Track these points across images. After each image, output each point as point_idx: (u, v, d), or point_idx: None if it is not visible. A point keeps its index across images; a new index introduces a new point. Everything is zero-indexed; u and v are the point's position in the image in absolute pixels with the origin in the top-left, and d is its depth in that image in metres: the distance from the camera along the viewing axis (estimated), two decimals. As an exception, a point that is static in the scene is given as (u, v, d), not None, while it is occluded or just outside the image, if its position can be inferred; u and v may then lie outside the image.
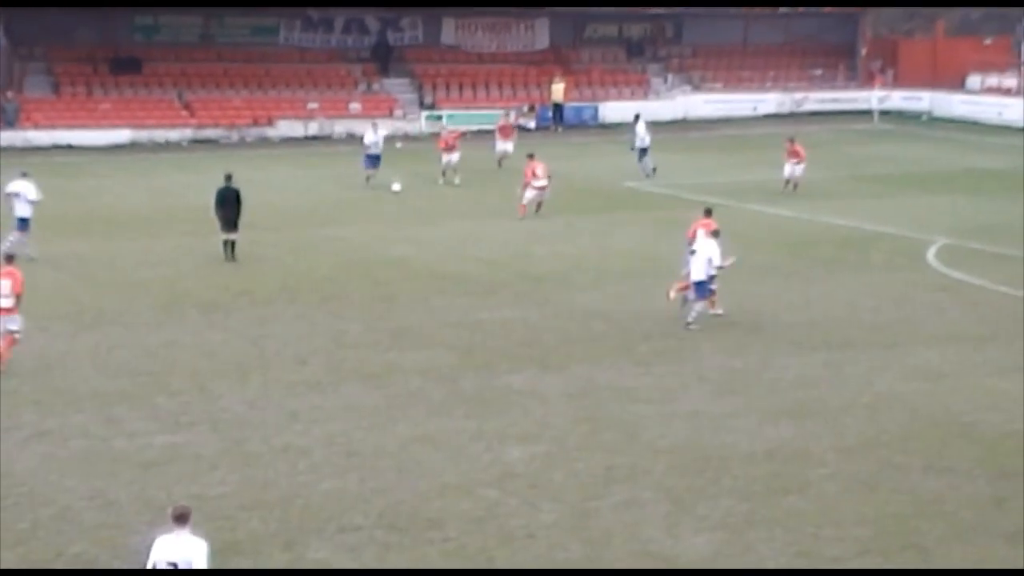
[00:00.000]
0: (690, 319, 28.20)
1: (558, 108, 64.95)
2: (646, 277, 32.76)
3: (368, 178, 46.86)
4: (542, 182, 40.87)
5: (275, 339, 27.09)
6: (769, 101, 68.89)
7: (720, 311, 28.94)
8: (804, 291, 31.74)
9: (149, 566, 13.70)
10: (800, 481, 19.71)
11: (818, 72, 71.72)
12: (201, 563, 13.67)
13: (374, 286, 31.97)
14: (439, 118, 62.36)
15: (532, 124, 63.61)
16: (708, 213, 30.72)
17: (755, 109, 68.05)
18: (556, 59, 68.76)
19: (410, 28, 67.82)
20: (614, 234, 38.68)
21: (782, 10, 70.82)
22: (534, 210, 40.93)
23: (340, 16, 66.20)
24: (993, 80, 68.92)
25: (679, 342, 27.16)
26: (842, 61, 73.11)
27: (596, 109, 65.98)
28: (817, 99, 69.43)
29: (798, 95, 69.46)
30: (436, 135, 53.44)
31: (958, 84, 69.65)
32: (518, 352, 26.34)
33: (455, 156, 47.59)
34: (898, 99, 68.93)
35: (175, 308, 29.62)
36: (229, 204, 34.83)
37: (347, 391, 23.84)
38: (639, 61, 70.69)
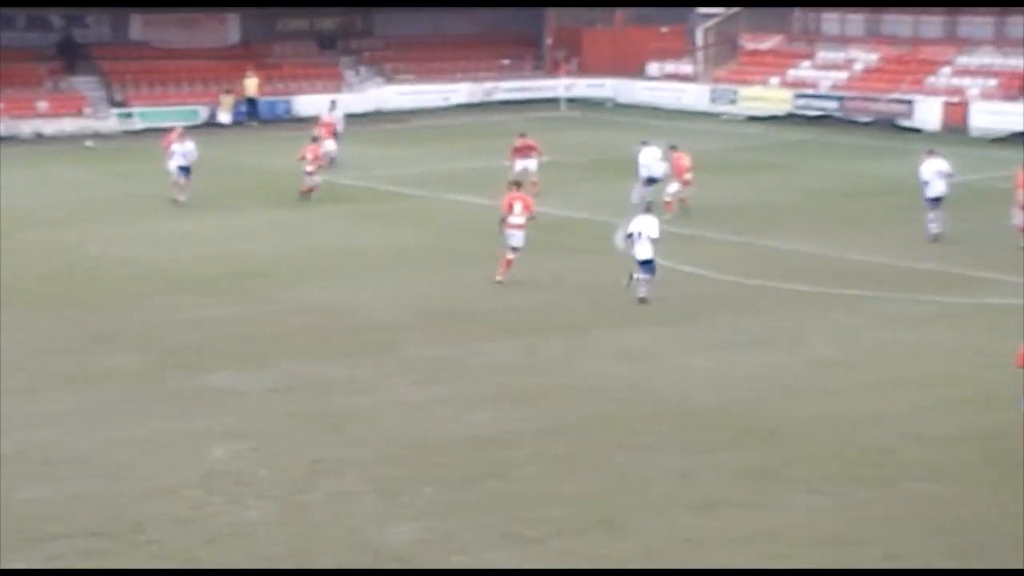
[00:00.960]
0: (641, 294, 29.45)
1: (252, 103, 64.57)
2: (347, 270, 32.99)
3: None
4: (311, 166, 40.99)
5: (-33, 348, 26.43)
6: (460, 91, 69.69)
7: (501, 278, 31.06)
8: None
9: None
10: (502, 465, 20.21)
11: (506, 62, 72.90)
12: None
13: (80, 288, 31.44)
14: (130, 115, 61.31)
15: (228, 119, 63.08)
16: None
17: (447, 100, 68.78)
18: (248, 54, 68.23)
19: (96, 24, 66.41)
20: (314, 228, 38.76)
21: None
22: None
23: (21, 13, 64.39)
24: (671, 67, 71.30)
25: (382, 334, 27.47)
26: (529, 51, 74.45)
27: (290, 103, 65.80)
28: (506, 88, 70.55)
29: (488, 85, 70.48)
30: (132, 133, 52.38)
31: (639, 71, 71.78)
32: (222, 350, 26.28)
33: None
34: (583, 87, 70.54)
35: None
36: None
37: (44, 397, 23.43)
38: (331, 54, 70.70)
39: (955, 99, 59.82)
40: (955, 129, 58.13)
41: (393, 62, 71.16)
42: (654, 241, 29.81)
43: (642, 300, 29.54)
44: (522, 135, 45.03)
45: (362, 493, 19.21)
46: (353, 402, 23.23)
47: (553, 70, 71.59)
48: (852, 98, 62.37)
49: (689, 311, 29.24)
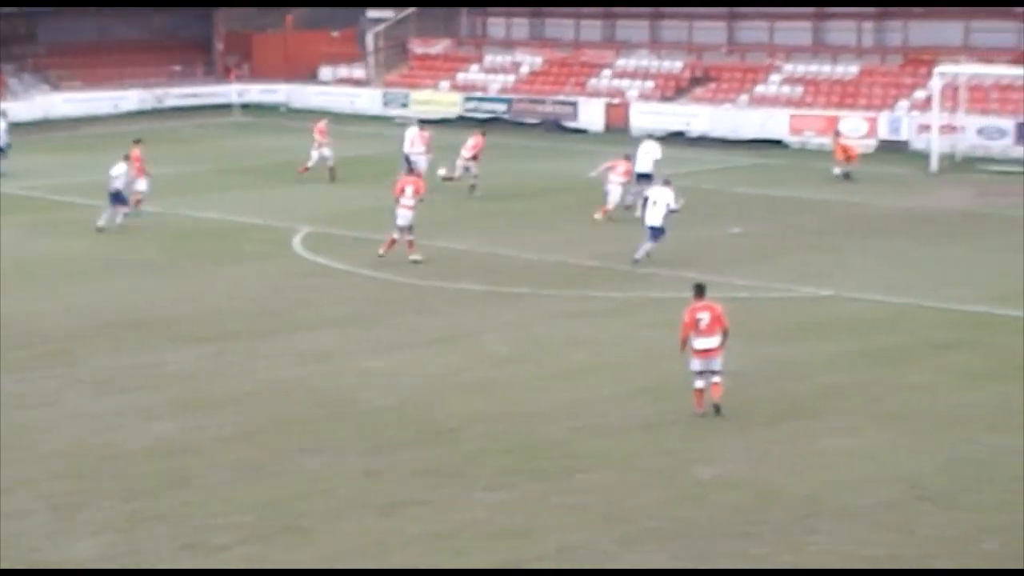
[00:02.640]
0: (637, 256, 33.33)
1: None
2: (20, 281, 32.28)
3: None
4: None
5: None
6: (130, 98, 68.57)
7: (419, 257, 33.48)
8: (181, 286, 32.20)
9: None
10: (184, 475, 20.20)
11: (177, 68, 72.08)
12: None
13: None
14: None
15: None
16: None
17: (116, 107, 67.62)
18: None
19: None
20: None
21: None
22: None
23: None
24: (344, 71, 71.62)
25: (58, 345, 27.03)
26: (200, 56, 73.76)
27: (-50, 112, 63.62)
28: (178, 95, 69.73)
29: (159, 91, 69.56)
30: None
31: (311, 76, 71.91)
32: None
33: None
34: (256, 92, 70.26)
35: None
36: None
37: None
38: (-8, 61, 68.74)
39: (616, 100, 61.81)
40: (617, 129, 60.06)
41: (58, 68, 69.58)
42: (671, 211, 33.49)
43: (635, 262, 33.31)
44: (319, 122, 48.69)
45: (38, 510, 18.91)
46: (26, 417, 22.80)
47: (225, 75, 71.12)
48: (519, 100, 63.78)
49: (368, 313, 29.64)
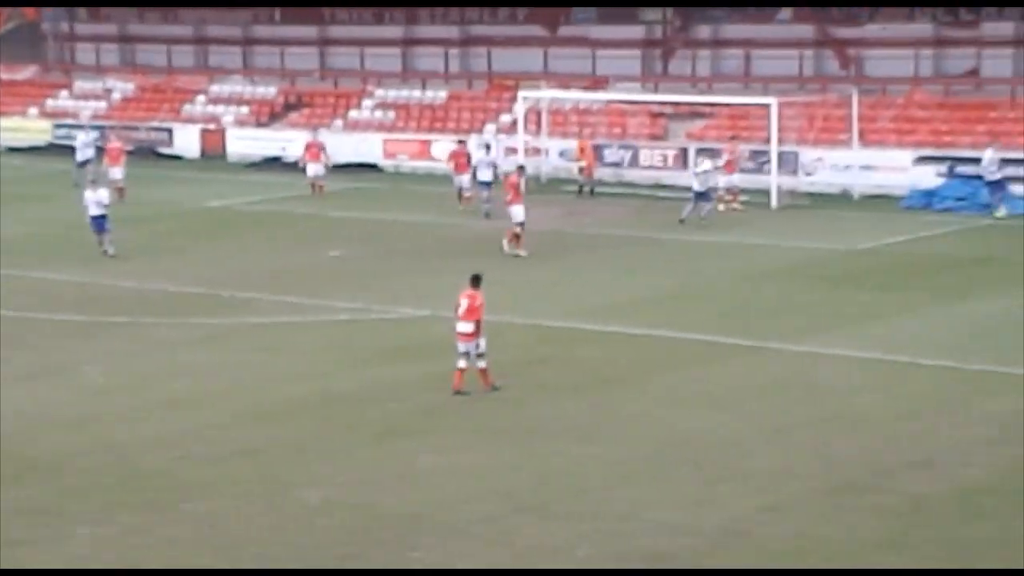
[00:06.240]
0: (685, 216, 41.49)
1: None
2: None
3: None
4: None
5: None
6: None
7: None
8: None
9: None
10: None
11: None
12: None
13: None
14: None
15: None
16: None
17: None
18: None
19: None
20: None
21: None
22: None
23: None
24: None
25: None
26: None
27: None
28: None
29: None
30: None
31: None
32: None
33: None
34: None
35: None
36: None
37: None
38: None
39: (212, 126, 61.52)
40: (214, 156, 59.90)
41: None
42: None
43: (681, 221, 41.81)
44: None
45: None
46: None
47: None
48: (113, 127, 62.62)
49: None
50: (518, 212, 38.53)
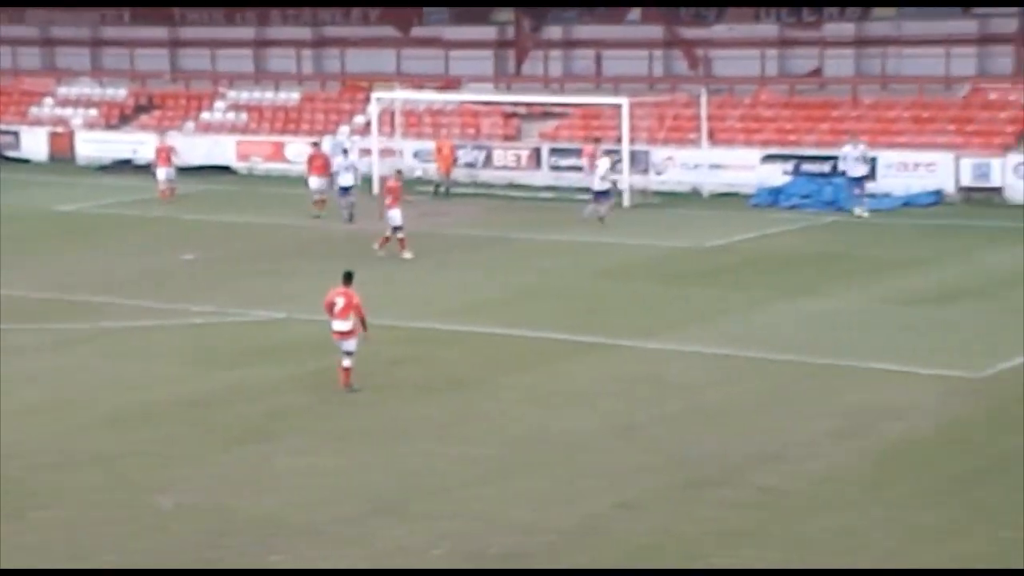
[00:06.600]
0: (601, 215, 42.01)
1: None
2: None
3: None
4: None
5: None
6: None
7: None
8: None
9: None
10: None
11: None
12: None
13: None
14: None
15: None
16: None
17: None
18: None
19: None
20: None
21: None
22: None
23: None
24: None
25: None
26: None
27: None
28: None
29: None
30: None
31: None
32: None
33: None
34: None
35: None
36: None
37: None
38: None
39: (60, 129, 60.67)
40: (62, 159, 59.12)
41: None
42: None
43: (601, 220, 42.25)
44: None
45: None
46: None
47: None
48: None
49: None
50: (395, 216, 38.43)
